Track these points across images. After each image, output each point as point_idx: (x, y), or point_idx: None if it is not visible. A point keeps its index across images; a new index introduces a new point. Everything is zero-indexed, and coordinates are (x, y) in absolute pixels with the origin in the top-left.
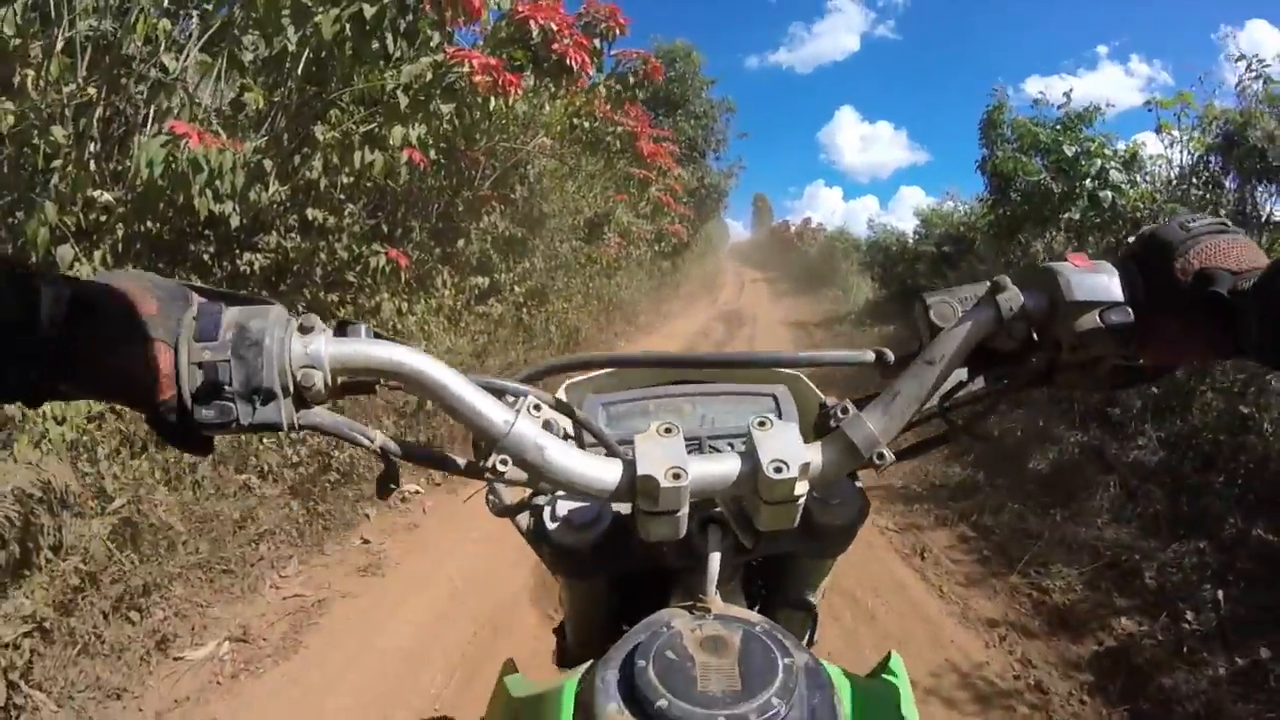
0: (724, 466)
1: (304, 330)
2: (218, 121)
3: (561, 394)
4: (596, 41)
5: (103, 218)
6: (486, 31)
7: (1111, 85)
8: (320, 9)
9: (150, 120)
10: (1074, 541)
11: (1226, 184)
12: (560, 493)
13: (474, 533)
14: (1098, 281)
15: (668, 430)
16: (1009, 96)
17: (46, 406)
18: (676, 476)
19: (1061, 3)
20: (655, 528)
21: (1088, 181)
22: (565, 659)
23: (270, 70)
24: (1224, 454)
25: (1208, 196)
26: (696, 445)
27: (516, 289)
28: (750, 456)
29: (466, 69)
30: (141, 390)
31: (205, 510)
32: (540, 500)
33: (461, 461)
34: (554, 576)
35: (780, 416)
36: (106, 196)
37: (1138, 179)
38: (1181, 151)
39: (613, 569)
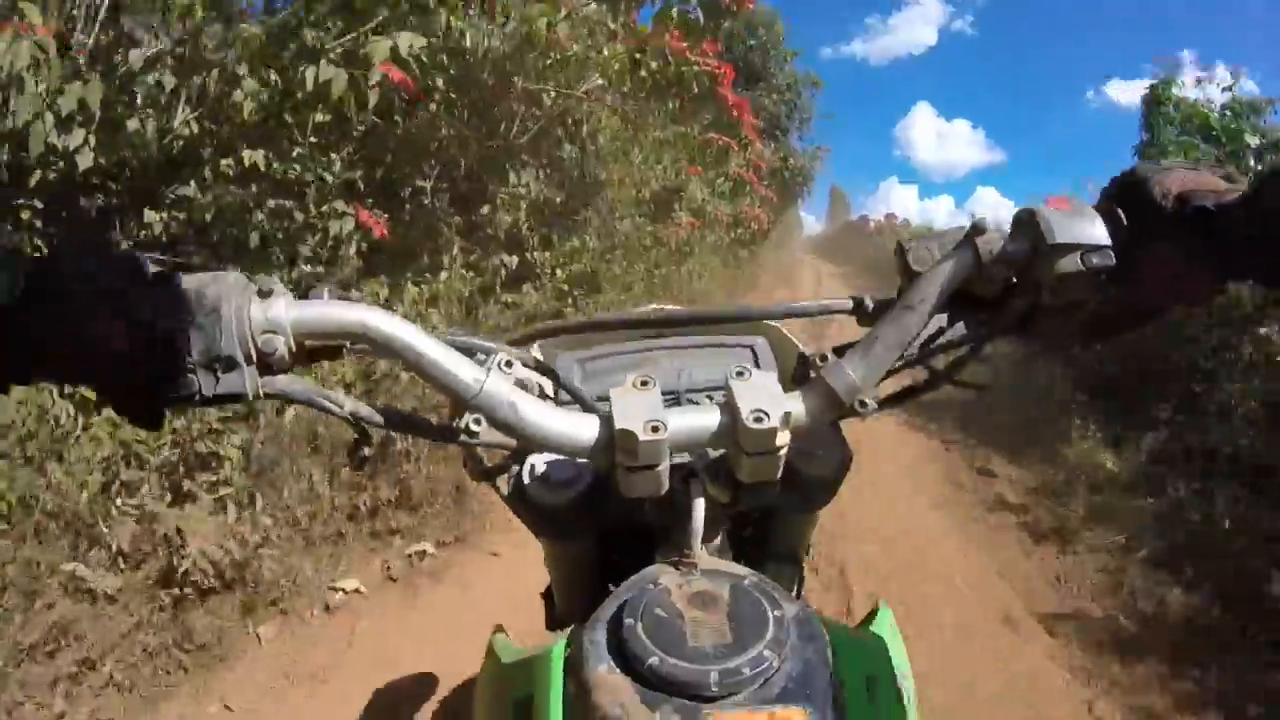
0: (703, 418)
1: (263, 294)
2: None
3: (536, 352)
4: None
5: None
6: None
7: (1193, 92)
8: None
9: None
10: None
11: None
12: (539, 453)
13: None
14: (1079, 224)
15: (644, 383)
16: (1175, 75)
17: None
18: (655, 430)
19: (1143, 5)
20: (636, 483)
21: None
22: (554, 623)
23: None
24: None
25: None
26: (674, 399)
27: (559, 272)
28: (729, 407)
29: None
30: (99, 368)
31: None
32: (520, 464)
33: (435, 423)
34: (537, 539)
35: (759, 367)
36: None
37: None
38: None
39: (595, 527)
